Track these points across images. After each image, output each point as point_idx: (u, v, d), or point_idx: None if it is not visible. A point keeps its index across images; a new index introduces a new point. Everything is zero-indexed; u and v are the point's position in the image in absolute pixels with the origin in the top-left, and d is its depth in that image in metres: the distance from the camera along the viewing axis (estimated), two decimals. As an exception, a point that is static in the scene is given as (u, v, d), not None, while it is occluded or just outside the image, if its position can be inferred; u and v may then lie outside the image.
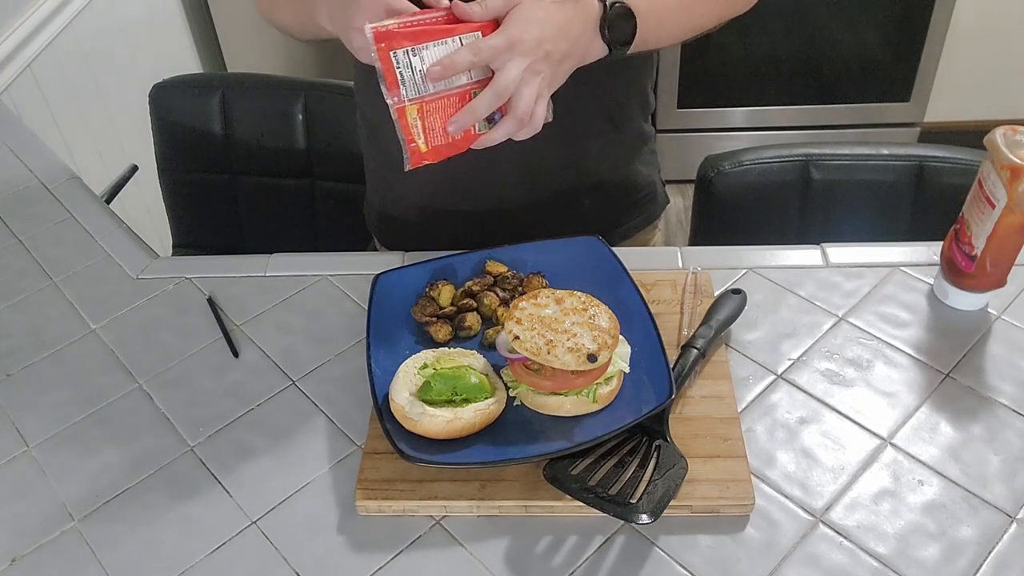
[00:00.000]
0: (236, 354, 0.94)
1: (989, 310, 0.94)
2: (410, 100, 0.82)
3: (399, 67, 0.80)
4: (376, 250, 1.26)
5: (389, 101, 0.81)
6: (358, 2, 0.82)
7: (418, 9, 0.83)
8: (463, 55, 0.80)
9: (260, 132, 1.60)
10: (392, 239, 1.22)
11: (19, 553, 0.77)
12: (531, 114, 0.83)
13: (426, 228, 1.16)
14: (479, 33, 0.82)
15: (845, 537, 0.73)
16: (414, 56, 0.80)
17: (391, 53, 0.79)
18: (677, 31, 0.97)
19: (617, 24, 0.88)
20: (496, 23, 0.82)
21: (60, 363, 0.95)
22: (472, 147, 0.86)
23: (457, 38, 0.82)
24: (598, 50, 0.88)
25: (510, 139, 0.85)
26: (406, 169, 0.85)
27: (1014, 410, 0.83)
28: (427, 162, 0.85)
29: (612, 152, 1.11)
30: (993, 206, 0.86)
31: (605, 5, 0.87)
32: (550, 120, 0.88)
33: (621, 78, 1.06)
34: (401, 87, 0.81)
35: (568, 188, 1.11)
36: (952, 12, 2.55)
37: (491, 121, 0.85)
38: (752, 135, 2.83)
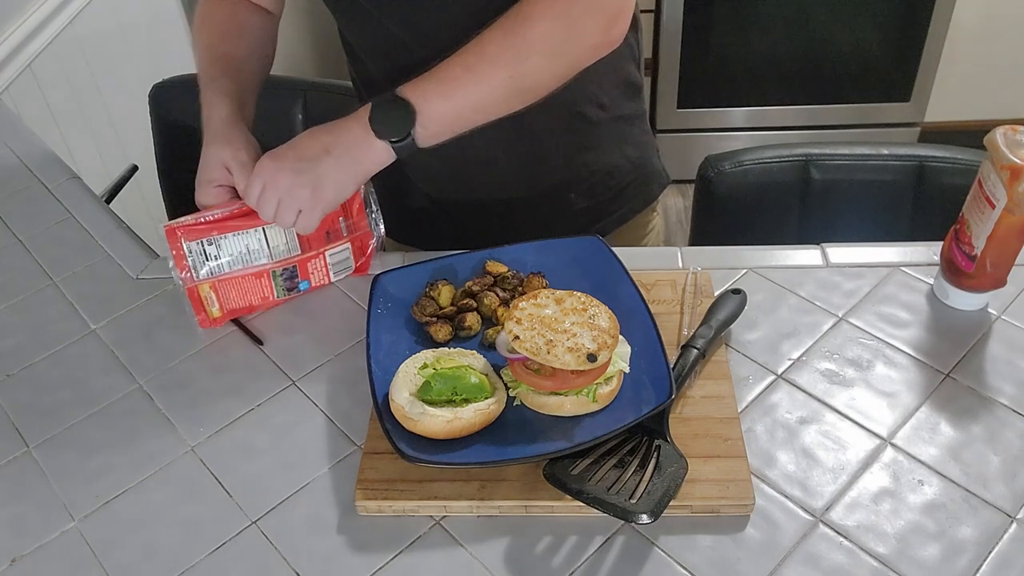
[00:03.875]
0: (260, 343, 0.95)
1: (989, 310, 0.94)
2: (200, 280, 0.92)
3: (190, 255, 0.90)
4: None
5: (178, 281, 0.92)
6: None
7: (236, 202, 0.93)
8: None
9: (260, 132, 1.58)
10: (399, 230, 1.24)
11: (19, 553, 0.77)
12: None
13: (434, 218, 1.17)
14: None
15: (845, 537, 0.73)
16: (209, 245, 0.91)
17: (184, 243, 0.90)
18: (497, 105, 0.88)
19: (383, 115, 0.85)
20: None
21: (60, 363, 0.95)
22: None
23: (261, 229, 0.92)
24: (378, 151, 0.87)
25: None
26: (200, 328, 0.95)
27: (1014, 410, 0.83)
28: (218, 326, 0.96)
29: (590, 143, 1.09)
30: (993, 206, 0.86)
31: (371, 104, 0.85)
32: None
33: (588, 70, 0.97)
34: (192, 271, 0.91)
35: (558, 181, 1.11)
36: (952, 12, 2.55)
37: (291, 288, 0.98)
38: (752, 135, 2.83)
